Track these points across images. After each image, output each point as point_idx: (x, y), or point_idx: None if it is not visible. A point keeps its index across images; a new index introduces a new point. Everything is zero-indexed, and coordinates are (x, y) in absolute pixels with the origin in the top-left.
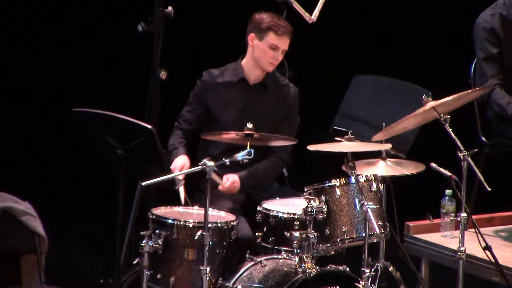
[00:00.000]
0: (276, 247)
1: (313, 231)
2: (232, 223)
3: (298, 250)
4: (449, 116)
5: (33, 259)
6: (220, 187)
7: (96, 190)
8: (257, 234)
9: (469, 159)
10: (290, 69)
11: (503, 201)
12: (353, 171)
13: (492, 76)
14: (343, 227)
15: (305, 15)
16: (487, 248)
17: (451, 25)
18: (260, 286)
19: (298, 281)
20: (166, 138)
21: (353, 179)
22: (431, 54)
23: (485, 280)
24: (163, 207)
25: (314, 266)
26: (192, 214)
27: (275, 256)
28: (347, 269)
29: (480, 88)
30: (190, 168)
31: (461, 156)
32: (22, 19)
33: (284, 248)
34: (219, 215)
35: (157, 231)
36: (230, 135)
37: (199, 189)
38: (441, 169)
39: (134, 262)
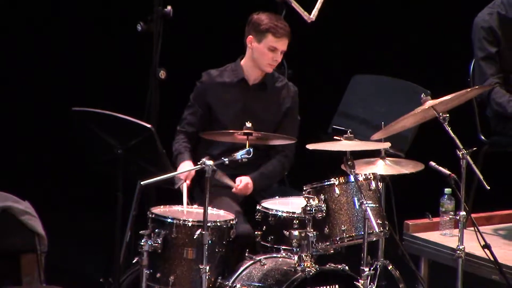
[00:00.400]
0: (275, 246)
1: (312, 230)
2: (231, 222)
3: (297, 249)
4: (448, 115)
5: (33, 258)
6: (234, 190)
7: (96, 189)
8: (256, 233)
9: (468, 157)
10: (290, 69)
11: (502, 199)
12: (352, 170)
13: (492, 75)
14: (342, 226)
15: (304, 14)
16: (486, 246)
17: (450, 23)
18: (260, 285)
19: (297, 280)
20: (166, 137)
21: (352, 178)
22: (430, 53)
23: (484, 278)
24: (162, 206)
25: (313, 265)
26: (191, 213)
27: (275, 255)
28: (346, 267)
29: (479, 86)
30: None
31: (460, 155)
32: (21, 19)
33: (283, 247)
34: (218, 214)
35: (156, 230)
36: (229, 135)
37: (199, 188)
38: (440, 168)
39: (133, 261)
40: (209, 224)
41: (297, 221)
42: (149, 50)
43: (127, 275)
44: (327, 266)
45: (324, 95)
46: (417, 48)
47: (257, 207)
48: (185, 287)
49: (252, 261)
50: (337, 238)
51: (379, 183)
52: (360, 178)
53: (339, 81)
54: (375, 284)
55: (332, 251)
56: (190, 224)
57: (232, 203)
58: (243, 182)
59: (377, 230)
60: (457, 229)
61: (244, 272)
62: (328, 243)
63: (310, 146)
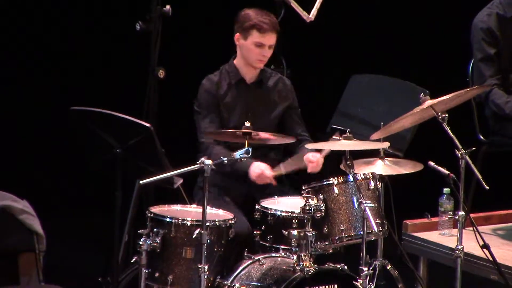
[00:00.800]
0: (274, 246)
1: (311, 230)
2: (230, 222)
3: (296, 249)
4: (447, 115)
5: (31, 258)
6: (309, 170)
7: (94, 188)
8: (255, 232)
9: (467, 157)
10: (288, 68)
11: (501, 199)
12: (351, 170)
13: (490, 77)
14: (341, 226)
15: (303, 14)
16: (485, 246)
17: (449, 23)
18: (258, 284)
19: (296, 280)
20: (164, 137)
21: (351, 177)
22: (429, 52)
23: (483, 278)
24: (161, 206)
25: (312, 265)
26: (190, 212)
27: (273, 255)
28: (345, 267)
29: (478, 86)
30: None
31: (459, 155)
32: (21, 18)
33: (282, 247)
34: (217, 214)
35: (155, 230)
36: (229, 134)
37: (198, 187)
38: (439, 168)
39: (132, 261)
40: (208, 224)
41: (296, 221)
42: (148, 50)
43: (125, 274)
44: (326, 265)
45: (323, 94)
46: (416, 48)
47: (256, 206)
48: (184, 287)
49: (251, 261)
50: (336, 238)
51: (378, 183)
52: (359, 178)
53: (338, 80)
54: (374, 284)
55: (331, 251)
56: (189, 223)
57: (231, 203)
58: (317, 159)
59: (376, 229)
60: (456, 229)
61: (243, 272)
62: (327, 243)
63: (309, 146)
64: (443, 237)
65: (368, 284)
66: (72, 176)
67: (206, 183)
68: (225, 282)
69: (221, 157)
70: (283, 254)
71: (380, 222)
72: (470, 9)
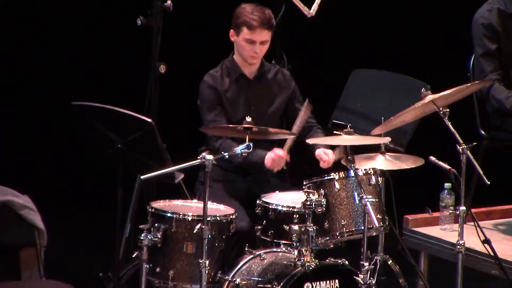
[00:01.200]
0: (275, 241)
1: (312, 225)
2: (231, 217)
3: (297, 244)
4: (448, 110)
5: (32, 253)
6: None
7: (96, 183)
8: (256, 227)
9: (468, 152)
10: (289, 63)
11: (502, 194)
12: (352, 165)
13: (491, 72)
14: (342, 221)
15: (304, 9)
16: (486, 241)
17: (450, 18)
18: (259, 279)
19: (297, 275)
20: (166, 132)
21: (352, 173)
22: (430, 47)
23: (484, 273)
24: (162, 201)
25: (313, 260)
26: (191, 207)
27: (274, 250)
28: (346, 262)
29: (479, 81)
30: None
31: (460, 150)
32: (22, 14)
33: (283, 242)
34: (218, 209)
35: (156, 225)
36: (230, 129)
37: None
38: (440, 163)
39: (133, 256)
40: (209, 219)
41: (297, 216)
42: (149, 45)
43: (126, 269)
44: (327, 260)
45: (324, 89)
46: (417, 43)
47: (257, 201)
48: (185, 282)
49: (252, 256)
50: (337, 233)
51: (379, 178)
52: (360, 173)
53: (338, 75)
54: (375, 279)
55: (332, 246)
56: (190, 218)
57: (232, 198)
58: (329, 159)
59: (377, 225)
60: (457, 224)
61: (244, 267)
62: (328, 238)
63: (310, 141)
64: (444, 232)
65: (369, 279)
66: (73, 171)
67: (207, 178)
68: (226, 277)
69: (222, 152)
70: (284, 249)
71: (381, 217)
72: (471, 4)
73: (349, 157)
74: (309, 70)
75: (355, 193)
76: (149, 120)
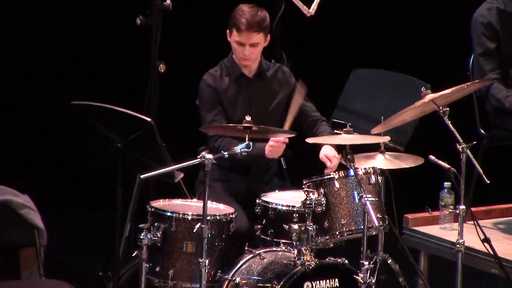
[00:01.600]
0: (275, 240)
1: (312, 224)
2: (231, 216)
3: (297, 243)
4: (448, 109)
5: (32, 252)
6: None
7: (95, 183)
8: (256, 226)
9: (468, 151)
10: (289, 62)
11: (502, 193)
12: (352, 164)
13: (490, 71)
14: (342, 220)
15: (303, 8)
16: (486, 240)
17: (449, 17)
18: (259, 278)
19: (297, 274)
20: (165, 131)
21: (351, 172)
22: (430, 46)
23: (484, 272)
24: (162, 200)
25: (313, 259)
26: (191, 206)
27: (274, 249)
28: (346, 261)
29: (478, 81)
30: None
31: (460, 149)
32: (21, 14)
33: (283, 241)
34: (218, 208)
35: (156, 224)
36: (230, 128)
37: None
38: (440, 162)
39: (133, 255)
40: (208, 218)
41: (297, 215)
42: (149, 44)
43: (126, 269)
44: (327, 260)
45: (324, 89)
46: (417, 42)
47: (257, 200)
48: (185, 281)
49: (251, 255)
50: (337, 232)
51: (378, 177)
52: (360, 172)
53: (338, 75)
54: (375, 278)
55: (331, 245)
56: (189, 217)
57: (231, 198)
58: (334, 161)
59: (376, 224)
60: (457, 223)
61: (243, 266)
62: (327, 237)
63: (309, 140)
64: (444, 231)
65: (369, 278)
66: (73, 170)
67: (207, 177)
68: (226, 277)
69: (222, 151)
70: (284, 248)
71: (380, 216)
72: (471, 3)
73: (348, 156)
74: (309, 69)
75: (355, 192)
76: (148, 119)
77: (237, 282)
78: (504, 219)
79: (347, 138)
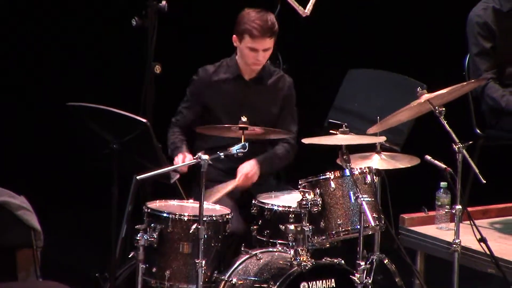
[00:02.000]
0: (271, 240)
1: (308, 224)
2: (227, 217)
3: (293, 243)
4: (443, 109)
5: (29, 254)
6: (235, 185)
7: (91, 184)
8: (252, 227)
9: (464, 151)
10: (285, 63)
11: (498, 193)
12: (348, 164)
13: (486, 71)
14: (338, 220)
15: (299, 8)
16: (482, 240)
17: (445, 17)
18: (256, 279)
19: (293, 274)
20: (161, 132)
21: (347, 172)
22: (426, 46)
23: (480, 272)
24: (158, 201)
25: (309, 259)
26: (187, 207)
27: (270, 249)
28: (342, 261)
29: (474, 80)
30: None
31: (456, 149)
32: (17, 15)
33: (279, 241)
34: (214, 209)
35: (152, 225)
36: (225, 129)
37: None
38: (436, 162)
39: (129, 256)
40: (205, 219)
41: (293, 215)
42: (144, 45)
43: (123, 269)
44: (323, 260)
45: (320, 89)
46: (412, 42)
47: (253, 201)
48: (181, 282)
49: (248, 256)
50: (333, 232)
51: (374, 177)
52: (356, 172)
53: (334, 75)
54: (371, 278)
55: (328, 245)
56: (186, 218)
57: (228, 199)
58: (241, 174)
59: (372, 224)
60: (453, 223)
61: (240, 267)
62: (324, 237)
63: (305, 140)
64: (440, 231)
65: (365, 278)
66: (69, 172)
67: (203, 178)
68: (222, 277)
69: (218, 152)
70: (280, 248)
71: (377, 216)
72: (466, 3)
73: (344, 157)
74: (305, 70)
75: (351, 192)
76: (144, 120)
77: (233, 282)
78: (500, 219)
79: (343, 138)
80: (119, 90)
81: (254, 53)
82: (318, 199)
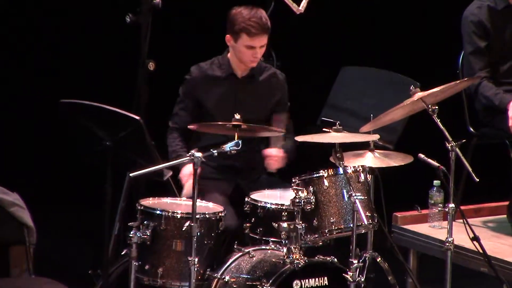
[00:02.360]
0: (264, 238)
1: (301, 222)
2: (220, 214)
3: (286, 241)
4: (437, 107)
5: (22, 251)
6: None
7: (85, 181)
8: (245, 225)
9: (457, 149)
10: (278, 60)
11: (491, 191)
12: (341, 162)
13: (480, 70)
14: (331, 218)
15: (293, 6)
16: (475, 238)
17: (439, 15)
18: (248, 276)
19: (286, 272)
20: (154, 129)
21: (341, 170)
22: (419, 44)
23: (473, 270)
24: (151, 198)
25: (302, 257)
26: (180, 205)
27: (263, 247)
28: (335, 260)
29: (468, 79)
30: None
31: (449, 147)
32: (9, 13)
33: (272, 239)
34: (207, 206)
35: (145, 222)
36: (218, 126)
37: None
38: (429, 160)
39: (122, 253)
40: (198, 216)
41: (286, 213)
42: (138, 42)
43: (116, 267)
44: (316, 258)
45: (313, 87)
46: (406, 40)
47: (246, 199)
48: (174, 279)
49: (241, 253)
50: (326, 230)
51: (368, 175)
52: (349, 170)
53: (328, 73)
54: (364, 276)
55: (321, 243)
56: (179, 216)
57: (220, 196)
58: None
59: (366, 222)
60: (446, 221)
61: (233, 264)
62: (317, 235)
63: (299, 138)
64: (433, 229)
65: (358, 276)
66: (63, 169)
67: (196, 175)
68: (215, 275)
69: (211, 150)
70: (273, 246)
71: (370, 214)
72: (461, 1)
73: (338, 155)
74: (298, 67)
75: (344, 191)
76: (137, 117)
77: (226, 280)
78: (493, 218)
79: (336, 136)
80: (112, 87)
81: (251, 50)
82: (312, 197)
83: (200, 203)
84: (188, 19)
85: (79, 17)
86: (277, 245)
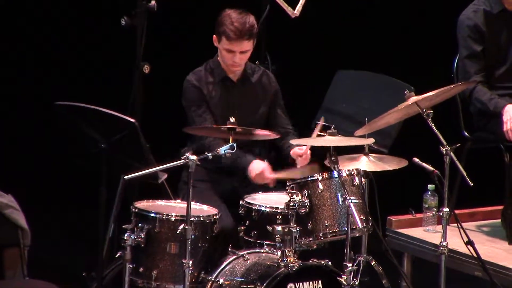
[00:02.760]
0: (258, 241)
1: (295, 225)
2: (214, 217)
3: (281, 244)
4: (431, 111)
5: (16, 253)
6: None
7: (79, 183)
8: (239, 228)
9: (452, 154)
10: (273, 64)
11: (486, 196)
12: (336, 166)
13: (475, 74)
14: (326, 221)
15: (288, 9)
16: (470, 243)
17: (435, 19)
18: (242, 279)
19: (280, 275)
20: (149, 132)
21: (335, 174)
22: (414, 48)
23: (467, 275)
24: (145, 201)
25: (296, 260)
26: (174, 207)
27: (258, 250)
28: (329, 263)
29: (462, 83)
30: None
31: (444, 151)
32: (4, 15)
33: (267, 242)
34: (201, 209)
35: (139, 225)
36: (213, 130)
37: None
38: (424, 164)
39: (116, 256)
40: (192, 219)
41: (281, 217)
42: (133, 45)
43: (110, 269)
44: (310, 261)
45: (308, 90)
46: (401, 44)
47: (241, 202)
48: (168, 282)
49: (235, 256)
50: (320, 234)
51: (362, 179)
52: (344, 174)
53: (323, 76)
54: (358, 280)
55: (315, 247)
56: (173, 218)
57: (215, 198)
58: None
59: (360, 226)
60: (440, 225)
61: (227, 267)
62: (311, 239)
63: (293, 142)
64: (427, 233)
65: (352, 280)
66: (57, 171)
67: (191, 178)
68: (210, 278)
69: (206, 153)
70: (267, 249)
71: (364, 218)
72: (456, 4)
73: (332, 158)
74: (293, 71)
75: (339, 194)
76: (132, 120)
77: (220, 283)
78: (487, 222)
79: (331, 140)
80: (108, 89)
81: (230, 54)
82: (306, 201)
83: (194, 205)
84: (183, 22)
85: (74, 19)
86: (272, 248)
